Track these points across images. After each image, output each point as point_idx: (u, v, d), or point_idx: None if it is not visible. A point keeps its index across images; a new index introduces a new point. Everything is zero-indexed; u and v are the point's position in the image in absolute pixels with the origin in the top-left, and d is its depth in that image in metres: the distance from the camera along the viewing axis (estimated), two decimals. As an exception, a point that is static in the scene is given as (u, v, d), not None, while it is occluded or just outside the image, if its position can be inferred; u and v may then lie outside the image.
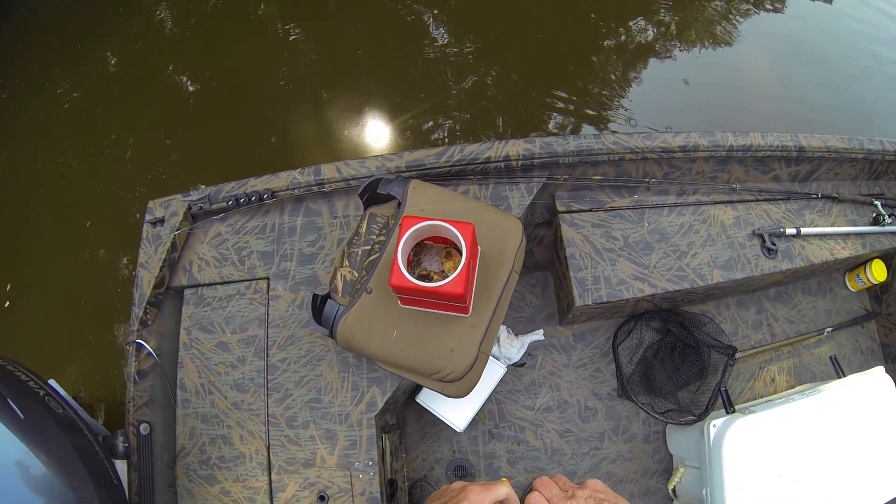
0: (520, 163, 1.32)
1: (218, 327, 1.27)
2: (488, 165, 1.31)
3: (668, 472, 1.64)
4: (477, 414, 1.55)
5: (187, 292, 1.31)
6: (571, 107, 2.64)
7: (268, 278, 1.29)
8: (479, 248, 1.03)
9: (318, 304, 1.09)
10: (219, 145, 2.48)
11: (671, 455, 1.64)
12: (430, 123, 2.54)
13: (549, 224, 1.54)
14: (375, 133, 2.55)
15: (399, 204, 1.14)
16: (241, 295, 1.28)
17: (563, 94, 2.65)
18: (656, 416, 1.52)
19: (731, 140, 1.44)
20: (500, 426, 1.62)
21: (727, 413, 1.37)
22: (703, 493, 1.34)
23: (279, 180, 1.28)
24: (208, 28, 2.73)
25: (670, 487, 1.56)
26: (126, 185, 2.39)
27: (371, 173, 1.27)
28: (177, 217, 1.29)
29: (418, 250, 1.08)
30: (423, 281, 0.92)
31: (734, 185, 1.53)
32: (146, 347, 1.26)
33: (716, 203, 1.52)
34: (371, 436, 1.18)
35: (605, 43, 2.82)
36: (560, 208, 1.44)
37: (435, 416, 1.41)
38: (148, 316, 1.28)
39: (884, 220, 1.74)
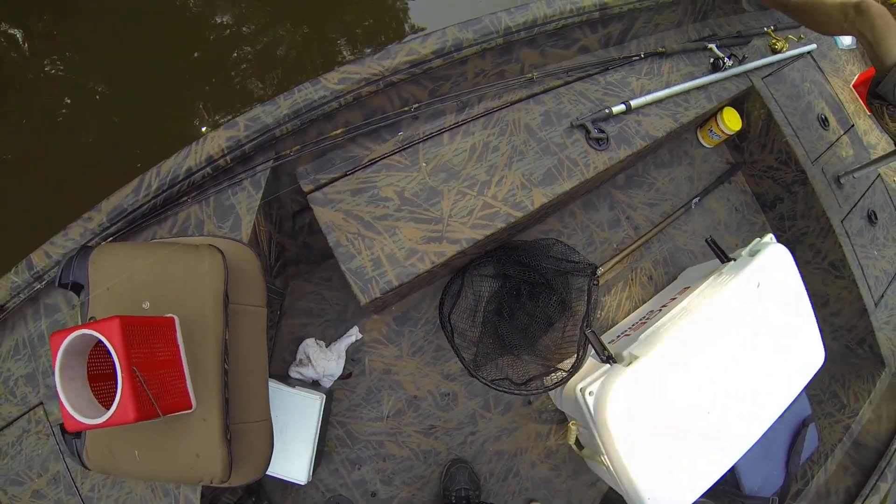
0: (229, 158, 0.99)
1: (25, 476, 1.07)
2: (193, 178, 0.99)
3: (565, 422, 1.41)
4: (326, 444, 1.31)
5: None
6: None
7: (41, 403, 1.08)
8: (174, 317, 0.84)
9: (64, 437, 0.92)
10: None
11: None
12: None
13: (309, 207, 1.19)
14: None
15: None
16: (27, 431, 1.09)
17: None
18: (513, 392, 1.23)
19: (505, 20, 1.09)
20: (354, 448, 1.32)
21: (601, 360, 1.11)
22: (603, 458, 1.11)
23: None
24: None
25: (572, 442, 1.33)
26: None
27: (73, 247, 0.97)
28: None
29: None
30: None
31: (530, 75, 1.20)
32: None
33: (512, 104, 1.19)
34: None
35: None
36: (306, 187, 1.08)
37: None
38: None
39: (724, 63, 1.52)
